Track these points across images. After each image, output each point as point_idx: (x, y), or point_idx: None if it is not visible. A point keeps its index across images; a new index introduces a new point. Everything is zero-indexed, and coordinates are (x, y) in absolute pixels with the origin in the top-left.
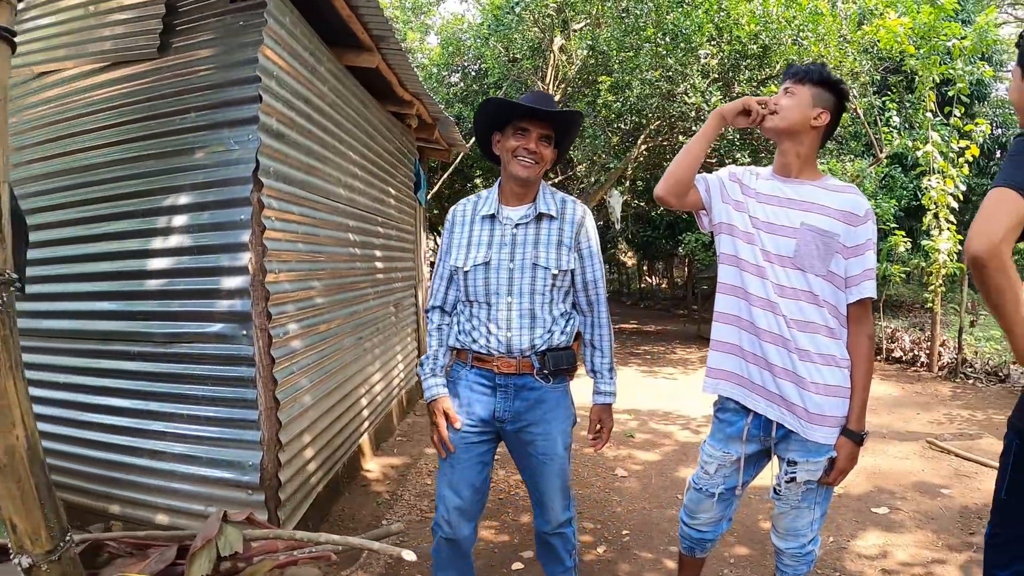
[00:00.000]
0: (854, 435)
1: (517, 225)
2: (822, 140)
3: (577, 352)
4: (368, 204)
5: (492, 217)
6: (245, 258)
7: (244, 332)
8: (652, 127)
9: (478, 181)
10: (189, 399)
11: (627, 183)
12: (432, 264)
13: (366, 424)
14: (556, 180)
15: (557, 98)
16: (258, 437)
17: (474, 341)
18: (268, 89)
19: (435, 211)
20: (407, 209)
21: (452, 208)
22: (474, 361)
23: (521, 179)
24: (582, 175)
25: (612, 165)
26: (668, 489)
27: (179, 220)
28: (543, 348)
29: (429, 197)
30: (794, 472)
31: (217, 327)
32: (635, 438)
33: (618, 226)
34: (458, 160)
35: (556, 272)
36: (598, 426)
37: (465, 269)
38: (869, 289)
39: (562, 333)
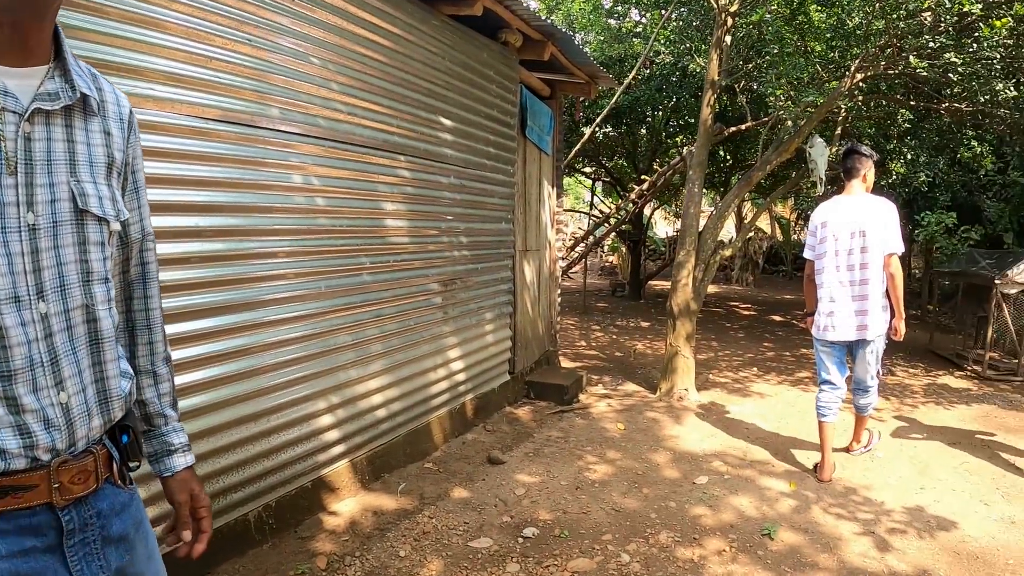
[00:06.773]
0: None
1: (32, 115)
2: None
3: None
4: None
5: None
6: None
7: None
8: (874, 48)
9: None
10: None
11: (837, 129)
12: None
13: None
14: (740, 128)
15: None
16: None
17: None
18: None
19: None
20: (496, 152)
21: None
22: None
23: None
24: (778, 112)
25: (813, 98)
26: None
27: None
28: (120, 417)
29: (572, 151)
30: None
31: None
32: (774, 540)
33: (821, 188)
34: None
35: (115, 226)
36: (188, 510)
37: None
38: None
39: (124, 376)
